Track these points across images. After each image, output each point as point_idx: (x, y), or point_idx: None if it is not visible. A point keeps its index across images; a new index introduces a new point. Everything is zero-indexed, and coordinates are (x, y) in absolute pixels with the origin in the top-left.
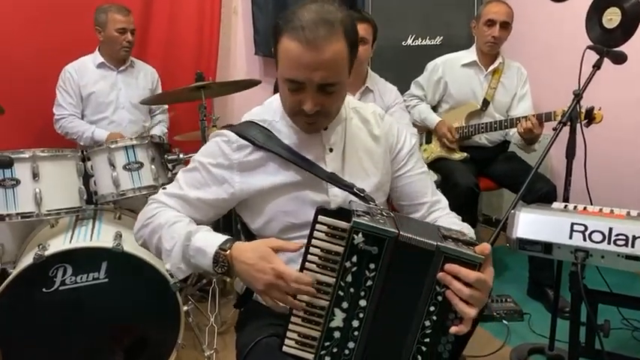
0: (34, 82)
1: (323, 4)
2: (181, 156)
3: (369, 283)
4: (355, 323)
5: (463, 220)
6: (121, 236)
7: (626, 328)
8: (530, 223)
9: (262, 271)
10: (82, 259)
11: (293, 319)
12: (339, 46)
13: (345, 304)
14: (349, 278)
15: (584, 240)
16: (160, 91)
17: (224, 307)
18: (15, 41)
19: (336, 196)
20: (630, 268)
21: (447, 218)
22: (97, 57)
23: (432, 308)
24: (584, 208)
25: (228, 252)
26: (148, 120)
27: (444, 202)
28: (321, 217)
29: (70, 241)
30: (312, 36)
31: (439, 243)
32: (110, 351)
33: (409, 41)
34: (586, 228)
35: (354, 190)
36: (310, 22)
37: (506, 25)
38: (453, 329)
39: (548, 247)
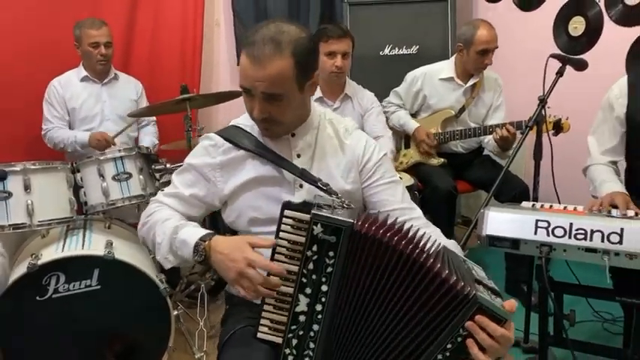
0: (23, 94)
1: (282, 24)
2: (168, 166)
3: (329, 269)
4: (318, 307)
5: (443, 222)
6: (112, 244)
7: (597, 320)
8: (499, 221)
9: (234, 260)
10: (74, 267)
11: (265, 307)
12: (283, 64)
13: (308, 290)
14: (311, 266)
15: (548, 235)
16: (144, 102)
17: (213, 312)
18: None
19: (301, 196)
20: (590, 259)
21: (432, 232)
22: (80, 71)
23: (449, 346)
24: (550, 207)
25: (207, 242)
26: (135, 131)
27: (418, 212)
28: (287, 212)
29: (63, 250)
30: (257, 52)
31: (476, 292)
32: (102, 357)
33: (386, 51)
34: (549, 224)
35: (319, 184)
36: (260, 40)
37: (494, 49)
38: None
39: (515, 242)
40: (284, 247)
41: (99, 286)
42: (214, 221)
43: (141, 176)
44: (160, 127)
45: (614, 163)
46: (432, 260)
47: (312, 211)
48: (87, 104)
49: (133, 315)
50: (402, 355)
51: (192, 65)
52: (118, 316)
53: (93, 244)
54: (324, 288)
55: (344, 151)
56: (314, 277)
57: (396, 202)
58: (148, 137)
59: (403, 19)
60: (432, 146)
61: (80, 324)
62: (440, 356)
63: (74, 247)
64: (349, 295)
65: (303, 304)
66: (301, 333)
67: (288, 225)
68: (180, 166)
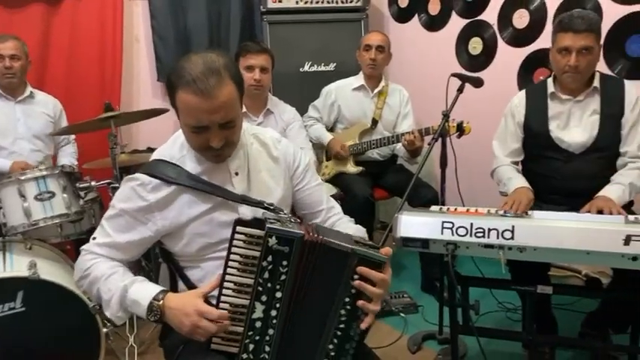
0: None
1: (205, 54)
2: (93, 183)
3: (283, 277)
4: (273, 313)
5: (362, 226)
6: (35, 265)
7: (501, 310)
8: (410, 224)
9: (187, 314)
10: None
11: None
12: (230, 89)
13: (264, 297)
14: (266, 275)
15: (453, 235)
16: (64, 120)
17: (142, 327)
18: None
19: (245, 214)
20: (488, 254)
21: (344, 222)
22: None
23: (347, 299)
24: (455, 209)
25: (161, 302)
26: (51, 149)
27: (338, 208)
28: (239, 228)
29: None
30: (204, 86)
31: (353, 246)
32: None
33: (306, 67)
34: (453, 225)
35: (265, 205)
36: (200, 74)
37: (381, 49)
38: (363, 325)
39: (425, 242)
40: (236, 261)
41: (23, 308)
42: None
43: (65, 195)
44: (80, 145)
45: (517, 163)
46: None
47: (268, 225)
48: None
49: (61, 335)
50: (327, 323)
51: (112, 82)
52: (45, 337)
53: (15, 265)
54: (279, 294)
55: (275, 161)
56: (269, 285)
57: (323, 203)
58: (67, 158)
59: (321, 37)
60: (347, 156)
61: (5, 347)
62: (343, 311)
63: None
64: (298, 297)
65: (259, 311)
66: (257, 338)
67: (240, 240)
68: (103, 184)
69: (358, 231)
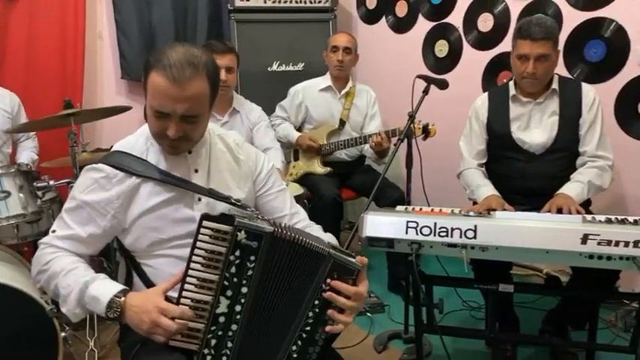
0: None
1: (189, 48)
2: (51, 183)
3: (250, 272)
4: (237, 308)
5: (329, 227)
6: None
7: (465, 309)
8: (376, 224)
9: (147, 311)
10: None
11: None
12: (202, 85)
13: (229, 292)
14: (233, 270)
15: (417, 234)
16: (22, 116)
17: (103, 331)
18: None
19: (202, 210)
20: (451, 253)
21: (314, 230)
22: None
23: (316, 302)
24: (420, 209)
25: (122, 299)
26: (8, 146)
27: (304, 214)
28: (205, 222)
29: None
30: (178, 74)
31: (330, 250)
32: None
33: (274, 67)
34: (418, 224)
35: (232, 200)
36: (177, 62)
37: (348, 51)
38: (328, 328)
39: (390, 242)
40: (201, 256)
41: None
42: None
43: (21, 194)
44: (39, 143)
45: (482, 165)
46: (309, 241)
47: (237, 220)
48: None
49: (16, 339)
50: (292, 324)
51: (73, 78)
52: (1, 342)
53: None
54: (244, 290)
55: (238, 163)
56: (235, 280)
57: (287, 209)
58: (27, 152)
59: (289, 37)
60: (318, 147)
61: None
62: (310, 313)
63: None
64: (264, 294)
65: (223, 305)
66: (220, 333)
67: (207, 235)
68: (62, 183)
69: (330, 239)
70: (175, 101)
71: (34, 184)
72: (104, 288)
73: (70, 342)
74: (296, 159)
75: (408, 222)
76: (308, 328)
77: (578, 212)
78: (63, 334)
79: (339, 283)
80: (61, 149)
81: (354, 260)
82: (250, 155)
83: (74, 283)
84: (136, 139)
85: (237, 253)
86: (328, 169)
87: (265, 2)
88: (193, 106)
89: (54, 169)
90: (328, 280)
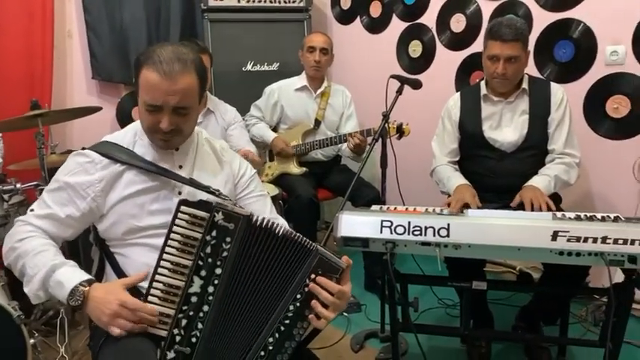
0: None
1: (179, 46)
2: (18, 186)
3: (225, 254)
4: (210, 289)
5: (306, 227)
6: None
7: (441, 307)
8: (351, 224)
9: (108, 303)
10: None
11: (150, 298)
12: (191, 79)
13: (203, 272)
14: (209, 249)
15: (391, 233)
16: None
17: (74, 337)
18: None
19: None
20: (425, 252)
21: None
22: None
23: (298, 296)
24: (395, 208)
25: (87, 288)
26: None
27: (283, 222)
28: (183, 208)
29: None
30: (168, 69)
31: (318, 246)
32: None
33: (249, 67)
34: (392, 223)
35: (211, 189)
36: (167, 58)
37: (325, 51)
38: (315, 322)
39: (365, 241)
40: (176, 240)
41: None
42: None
43: None
44: (6, 145)
45: (454, 163)
46: (293, 235)
47: (216, 201)
48: None
49: None
50: (270, 313)
51: (42, 78)
52: None
53: None
54: (218, 271)
55: (222, 165)
56: (210, 260)
57: (266, 213)
58: None
59: (264, 37)
60: (292, 153)
61: None
62: (291, 307)
63: None
64: (238, 277)
65: (197, 285)
66: (191, 314)
67: (183, 220)
68: (30, 186)
69: None
70: (167, 94)
71: (0, 186)
72: (72, 274)
73: (39, 349)
74: (271, 159)
75: (382, 221)
76: (287, 322)
77: (548, 205)
78: (32, 340)
79: (324, 279)
80: (28, 151)
81: (338, 259)
82: (234, 159)
83: (42, 264)
84: (125, 133)
85: (214, 233)
86: (304, 169)
87: (239, 2)
88: (184, 99)
89: (21, 171)
90: (313, 276)
